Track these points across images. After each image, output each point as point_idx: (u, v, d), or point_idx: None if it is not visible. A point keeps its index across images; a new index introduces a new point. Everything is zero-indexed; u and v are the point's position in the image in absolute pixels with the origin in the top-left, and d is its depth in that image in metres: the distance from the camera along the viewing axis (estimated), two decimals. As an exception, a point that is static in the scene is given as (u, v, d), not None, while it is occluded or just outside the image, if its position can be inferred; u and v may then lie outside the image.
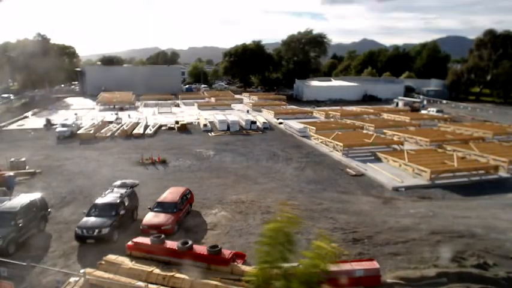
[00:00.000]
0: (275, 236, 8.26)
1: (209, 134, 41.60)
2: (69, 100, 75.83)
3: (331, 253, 8.25)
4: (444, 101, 71.94)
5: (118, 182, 20.74)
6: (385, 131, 39.95)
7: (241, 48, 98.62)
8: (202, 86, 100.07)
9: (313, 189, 23.80)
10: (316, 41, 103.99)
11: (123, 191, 19.12)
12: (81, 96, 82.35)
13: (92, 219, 16.84)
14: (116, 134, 40.75)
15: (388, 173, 26.45)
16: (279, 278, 8.30)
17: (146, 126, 43.72)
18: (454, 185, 24.44)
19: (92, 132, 39.80)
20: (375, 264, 13.40)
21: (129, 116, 52.60)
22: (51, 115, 53.18)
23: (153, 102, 68.41)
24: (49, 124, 45.76)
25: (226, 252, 14.06)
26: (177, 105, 65.77)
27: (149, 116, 52.54)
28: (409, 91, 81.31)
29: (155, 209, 18.27)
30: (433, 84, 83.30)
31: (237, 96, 79.36)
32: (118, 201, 17.90)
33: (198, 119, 49.55)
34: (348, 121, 47.40)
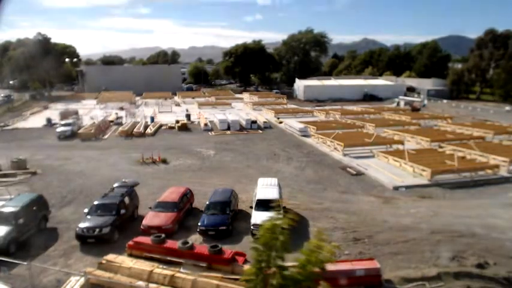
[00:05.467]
0: (271, 234, 8.25)
1: (209, 133, 41.61)
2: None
3: (328, 250, 8.24)
4: (445, 101, 71.90)
5: (118, 182, 20.76)
6: (385, 130, 39.92)
7: (242, 48, 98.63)
8: (203, 86, 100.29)
9: (313, 188, 23.79)
10: (317, 41, 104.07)
11: (123, 190, 19.13)
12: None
13: (92, 219, 16.85)
14: (116, 133, 40.83)
15: (388, 172, 26.44)
16: (275, 276, 8.30)
17: (146, 126, 43.74)
18: (454, 184, 24.43)
19: (92, 131, 39.83)
20: (375, 264, 13.39)
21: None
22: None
23: (154, 101, 68.53)
24: (49, 123, 45.82)
25: (227, 252, 14.06)
26: (178, 105, 65.86)
27: (150, 115, 52.57)
28: (409, 90, 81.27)
29: (156, 209, 18.28)
30: (434, 84, 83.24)
31: (237, 95, 79.39)
32: (118, 200, 17.92)
33: (199, 118, 49.57)
34: (349, 120, 47.38)
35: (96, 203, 17.95)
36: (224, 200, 18.39)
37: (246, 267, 13.34)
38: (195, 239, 16.61)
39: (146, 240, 15.13)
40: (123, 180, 21.26)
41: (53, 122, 46.25)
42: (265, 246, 8.30)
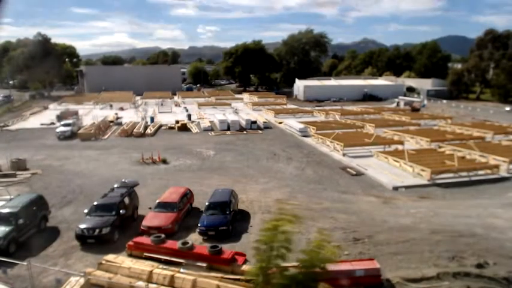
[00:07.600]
0: (273, 235, 8.28)
1: (209, 133, 41.61)
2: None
3: (330, 251, 8.26)
4: (444, 101, 71.92)
5: (118, 182, 20.75)
6: (385, 130, 39.94)
7: (242, 48, 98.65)
8: (203, 86, 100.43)
9: (313, 188, 23.80)
10: (317, 41, 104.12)
11: (123, 190, 19.13)
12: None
13: (92, 219, 16.83)
14: (116, 133, 40.85)
15: (388, 172, 26.46)
16: (277, 276, 8.32)
17: (146, 126, 43.74)
18: (454, 184, 24.45)
19: (92, 131, 39.84)
20: (375, 264, 13.38)
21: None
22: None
23: (154, 101, 68.55)
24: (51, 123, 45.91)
25: (227, 252, 14.07)
26: (178, 105, 65.89)
27: (150, 115, 52.59)
28: (409, 91, 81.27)
29: (156, 209, 18.28)
30: (434, 84, 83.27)
31: (237, 95, 79.48)
32: (118, 201, 17.91)
33: (199, 118, 49.59)
34: (348, 121, 47.41)
35: (96, 203, 17.92)
36: (224, 201, 18.39)
37: (246, 267, 13.38)
38: (195, 239, 16.60)
39: (146, 240, 15.16)
40: (123, 180, 21.23)
41: (52, 121, 46.37)
42: (267, 246, 8.33)
